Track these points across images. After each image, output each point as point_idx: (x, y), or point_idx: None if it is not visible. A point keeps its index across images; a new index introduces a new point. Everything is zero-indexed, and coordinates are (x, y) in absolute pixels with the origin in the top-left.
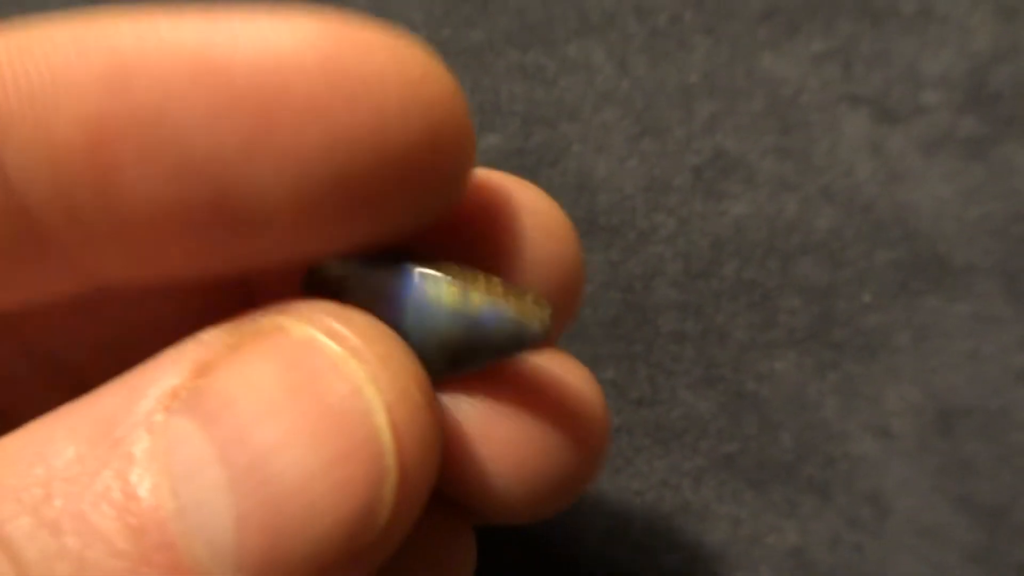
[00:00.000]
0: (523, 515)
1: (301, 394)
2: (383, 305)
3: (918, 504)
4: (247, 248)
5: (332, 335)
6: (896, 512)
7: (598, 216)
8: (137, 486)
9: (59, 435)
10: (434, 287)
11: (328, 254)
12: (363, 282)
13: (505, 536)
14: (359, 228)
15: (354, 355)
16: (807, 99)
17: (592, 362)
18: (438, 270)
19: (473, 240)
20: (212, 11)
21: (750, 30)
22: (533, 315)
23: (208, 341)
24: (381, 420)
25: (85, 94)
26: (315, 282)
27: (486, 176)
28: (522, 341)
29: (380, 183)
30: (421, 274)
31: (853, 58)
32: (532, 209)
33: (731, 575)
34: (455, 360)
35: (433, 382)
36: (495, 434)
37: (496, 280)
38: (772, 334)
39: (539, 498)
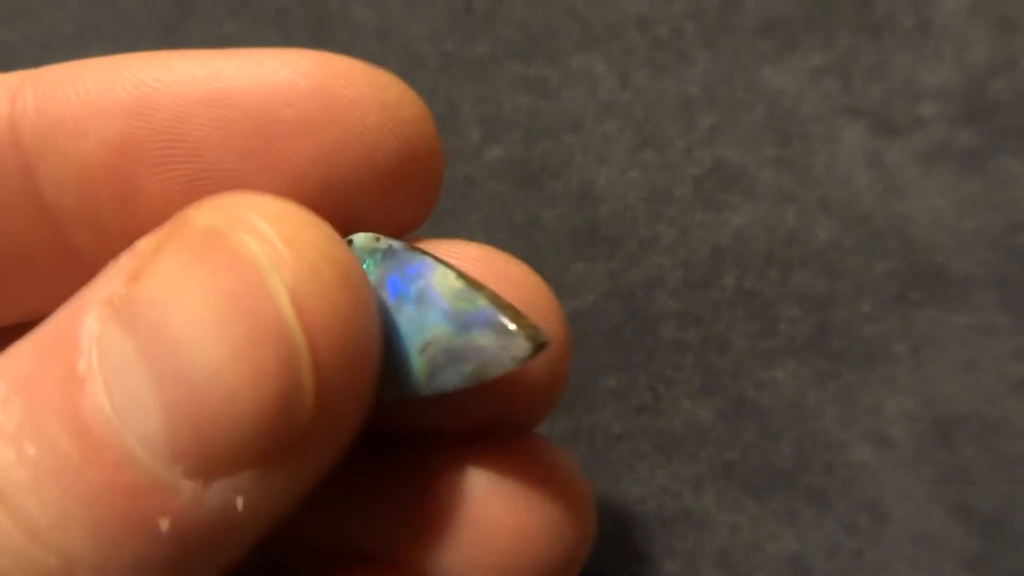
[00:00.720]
0: None
1: (205, 284)
2: (389, 285)
3: (916, 512)
4: None
5: (235, 221)
6: (894, 520)
7: (599, 226)
8: (78, 392)
9: (20, 351)
10: (443, 275)
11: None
12: (383, 257)
13: None
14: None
15: (255, 238)
16: (806, 111)
17: (593, 371)
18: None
19: None
20: (220, 51)
21: (750, 43)
22: (528, 331)
23: (141, 247)
24: (282, 300)
25: (111, 118)
26: None
27: (474, 251)
28: (510, 355)
29: (364, 189)
30: (436, 260)
31: (852, 71)
32: (517, 283)
33: None
34: (434, 366)
35: (414, 397)
36: (494, 515)
37: (505, 298)
38: (772, 343)
39: None
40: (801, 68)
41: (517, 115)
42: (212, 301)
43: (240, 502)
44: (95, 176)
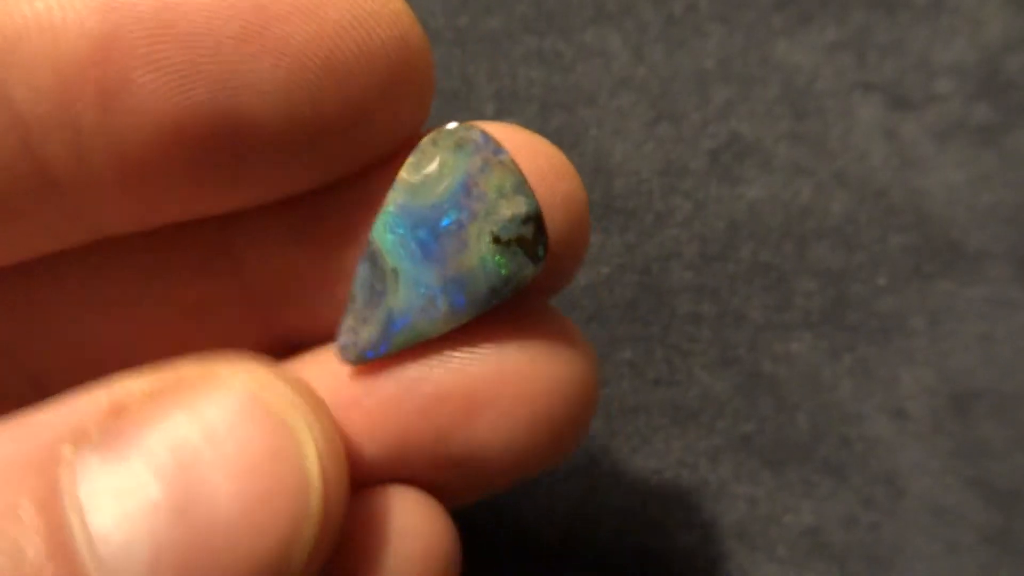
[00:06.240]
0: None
1: (245, 438)
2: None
3: (933, 485)
4: (244, 166)
5: (270, 388)
6: (911, 493)
7: (615, 199)
8: (46, 519)
9: None
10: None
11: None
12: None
13: (522, 514)
14: (349, 139)
15: (288, 402)
16: (821, 86)
17: (609, 343)
18: None
19: None
20: None
21: (765, 18)
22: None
23: (127, 385)
24: (312, 464)
25: (91, 8)
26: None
27: (499, 130)
28: None
29: (362, 78)
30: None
31: (867, 47)
32: (533, 151)
33: (748, 554)
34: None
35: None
36: (508, 375)
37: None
38: (787, 316)
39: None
40: (816, 43)
41: (532, 89)
42: (249, 454)
43: None
44: (76, 74)
